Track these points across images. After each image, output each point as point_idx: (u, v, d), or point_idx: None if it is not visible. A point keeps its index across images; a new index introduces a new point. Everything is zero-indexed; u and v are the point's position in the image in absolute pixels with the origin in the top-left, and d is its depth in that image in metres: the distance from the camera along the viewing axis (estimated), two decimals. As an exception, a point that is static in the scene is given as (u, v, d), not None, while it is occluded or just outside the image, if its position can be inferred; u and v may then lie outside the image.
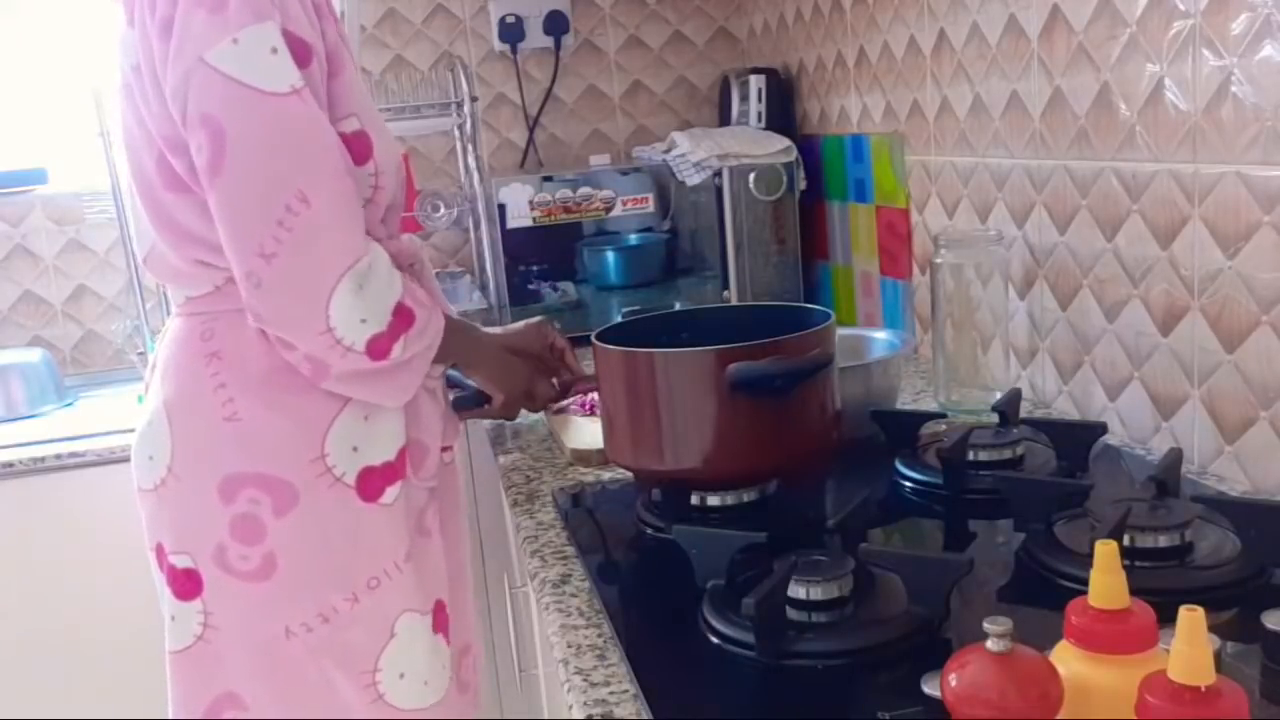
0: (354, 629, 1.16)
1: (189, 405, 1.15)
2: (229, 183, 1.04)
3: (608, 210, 2.09)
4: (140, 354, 2.30)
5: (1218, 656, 0.63)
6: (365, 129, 1.13)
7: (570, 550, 1.12)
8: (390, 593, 1.17)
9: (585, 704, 0.81)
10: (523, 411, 1.36)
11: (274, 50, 1.03)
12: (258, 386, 1.13)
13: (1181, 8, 1.11)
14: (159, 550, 1.18)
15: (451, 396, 1.31)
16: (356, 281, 1.05)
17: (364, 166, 1.13)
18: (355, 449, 1.15)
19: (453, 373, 1.36)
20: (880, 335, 1.48)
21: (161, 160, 1.11)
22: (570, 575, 1.06)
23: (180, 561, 1.15)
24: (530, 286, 2.09)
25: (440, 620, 1.23)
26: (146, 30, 1.07)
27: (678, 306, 1.97)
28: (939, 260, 1.45)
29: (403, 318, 1.10)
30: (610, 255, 2.12)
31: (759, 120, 2.19)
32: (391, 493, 1.17)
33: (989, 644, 0.61)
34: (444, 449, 1.28)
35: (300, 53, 1.06)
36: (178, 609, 1.17)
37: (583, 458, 1.38)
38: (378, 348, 1.08)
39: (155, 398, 1.18)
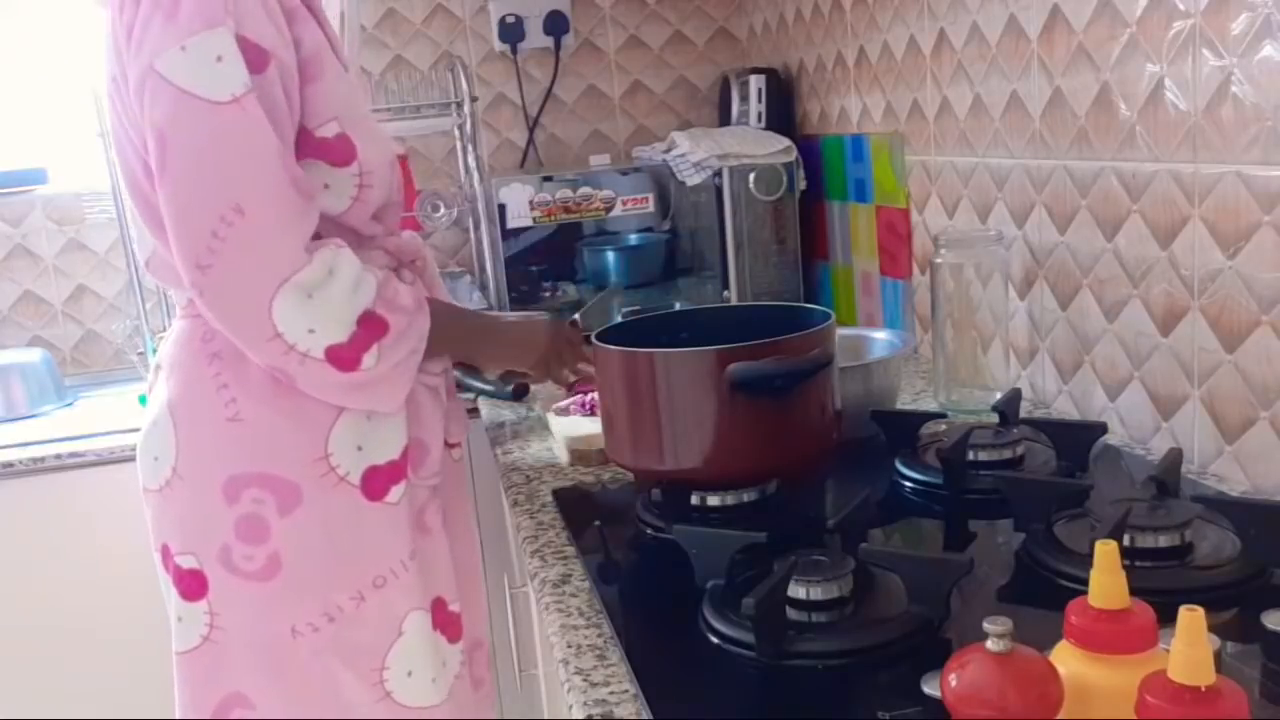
0: (360, 628, 1.16)
1: (192, 406, 1.15)
2: (169, 192, 1.03)
3: (608, 210, 2.09)
4: (140, 354, 2.30)
5: (1218, 656, 0.63)
6: (346, 132, 1.12)
7: (570, 550, 1.12)
8: (397, 591, 1.17)
9: (585, 704, 0.81)
10: (518, 408, 1.36)
11: (219, 59, 1.02)
12: (260, 387, 1.13)
13: (1181, 8, 1.11)
14: (165, 551, 1.18)
15: (493, 388, 1.32)
16: (303, 291, 1.03)
17: (347, 168, 1.12)
18: (359, 448, 1.15)
19: (457, 373, 1.36)
20: (880, 335, 1.48)
21: (145, 163, 1.11)
22: (570, 575, 1.06)
23: (186, 562, 1.16)
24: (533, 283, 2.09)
25: (440, 618, 1.23)
26: (116, 37, 1.07)
27: (678, 306, 1.98)
28: (939, 260, 1.45)
29: (371, 327, 1.07)
30: (610, 255, 2.12)
31: (759, 120, 2.19)
32: (396, 491, 1.17)
33: (989, 644, 0.61)
34: (453, 445, 1.29)
35: (254, 58, 1.04)
36: (184, 610, 1.17)
37: (583, 458, 1.38)
38: (340, 358, 1.06)
39: (159, 399, 1.18)
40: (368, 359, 1.08)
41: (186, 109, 1.02)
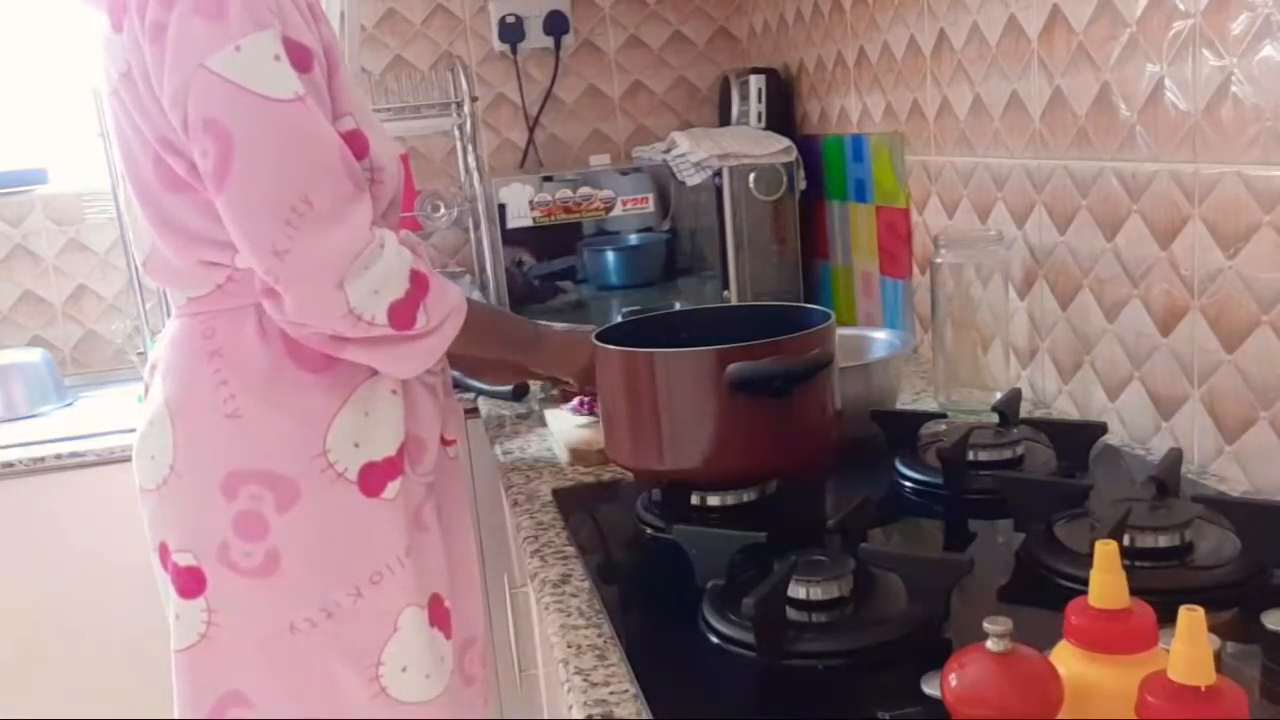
0: (357, 624, 1.16)
1: (190, 403, 1.15)
2: (238, 186, 1.05)
3: (608, 210, 2.09)
4: (140, 354, 2.30)
5: (1218, 656, 0.63)
6: (360, 127, 1.15)
7: (570, 550, 1.12)
8: (393, 587, 1.17)
9: (585, 704, 0.81)
10: (519, 407, 1.37)
11: (277, 58, 1.05)
12: (259, 384, 1.13)
13: (1181, 8, 1.11)
14: (162, 550, 1.19)
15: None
16: (363, 265, 1.07)
17: (360, 163, 1.14)
18: (357, 445, 1.15)
19: (454, 373, 1.37)
20: (880, 335, 1.48)
21: (159, 162, 1.11)
22: (570, 575, 1.06)
23: (184, 560, 1.16)
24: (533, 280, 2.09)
25: (437, 614, 1.23)
26: (136, 34, 1.07)
27: (678, 306, 1.98)
28: (939, 260, 1.45)
29: (418, 284, 1.11)
30: (610, 255, 2.12)
31: (759, 120, 2.19)
32: (393, 488, 1.17)
33: (989, 644, 0.61)
34: (449, 442, 1.29)
35: (301, 58, 1.07)
36: (182, 608, 1.17)
37: (583, 458, 1.38)
38: (399, 316, 1.09)
39: (156, 397, 1.18)
40: (420, 316, 1.11)
41: (250, 105, 1.04)
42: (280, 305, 1.09)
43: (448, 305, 1.15)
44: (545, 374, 1.38)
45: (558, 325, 1.37)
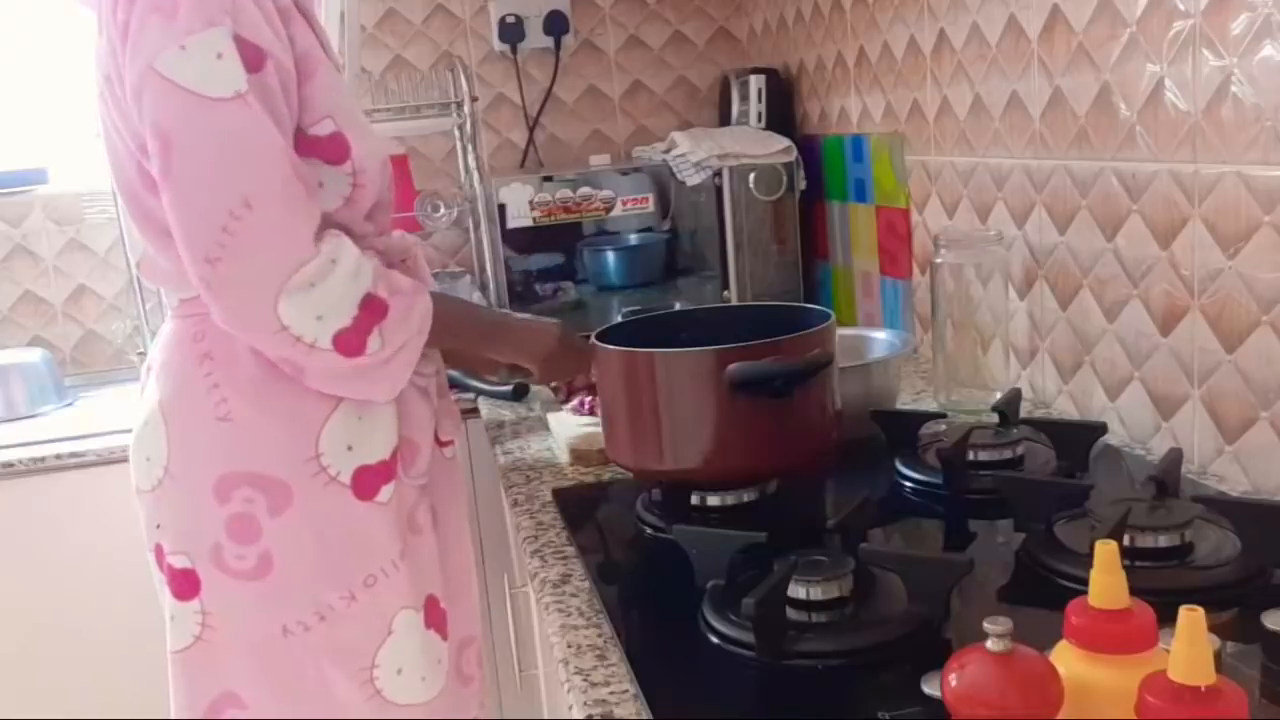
0: (351, 627, 1.16)
1: (183, 406, 1.15)
2: (175, 189, 1.04)
3: (608, 210, 2.09)
4: (140, 354, 2.29)
5: (1218, 656, 0.63)
6: (341, 130, 1.12)
7: (570, 550, 1.12)
8: (387, 590, 1.17)
9: (585, 704, 0.81)
10: (518, 408, 1.37)
11: (219, 55, 1.02)
12: (251, 386, 1.13)
13: (1181, 8, 1.11)
14: (158, 551, 1.19)
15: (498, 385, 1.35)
16: (307, 282, 1.04)
17: (340, 167, 1.13)
18: (350, 448, 1.15)
19: (454, 374, 1.36)
20: (880, 335, 1.48)
21: (140, 164, 1.11)
22: (570, 575, 1.06)
23: (178, 561, 1.16)
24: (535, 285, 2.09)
25: (433, 616, 1.23)
26: (111, 37, 1.07)
27: (678, 306, 1.98)
28: (939, 260, 1.45)
29: (372, 310, 1.08)
30: (610, 255, 2.12)
31: (759, 120, 2.19)
32: (386, 491, 1.17)
33: (989, 644, 0.61)
34: (445, 443, 1.29)
35: (252, 58, 1.05)
36: (177, 609, 1.17)
37: (583, 458, 1.38)
38: (346, 343, 1.07)
39: (150, 399, 1.18)
40: (372, 342, 1.08)
41: (189, 107, 1.02)
42: (218, 317, 1.07)
43: (410, 329, 1.12)
44: (506, 362, 1.35)
45: (521, 314, 1.35)
